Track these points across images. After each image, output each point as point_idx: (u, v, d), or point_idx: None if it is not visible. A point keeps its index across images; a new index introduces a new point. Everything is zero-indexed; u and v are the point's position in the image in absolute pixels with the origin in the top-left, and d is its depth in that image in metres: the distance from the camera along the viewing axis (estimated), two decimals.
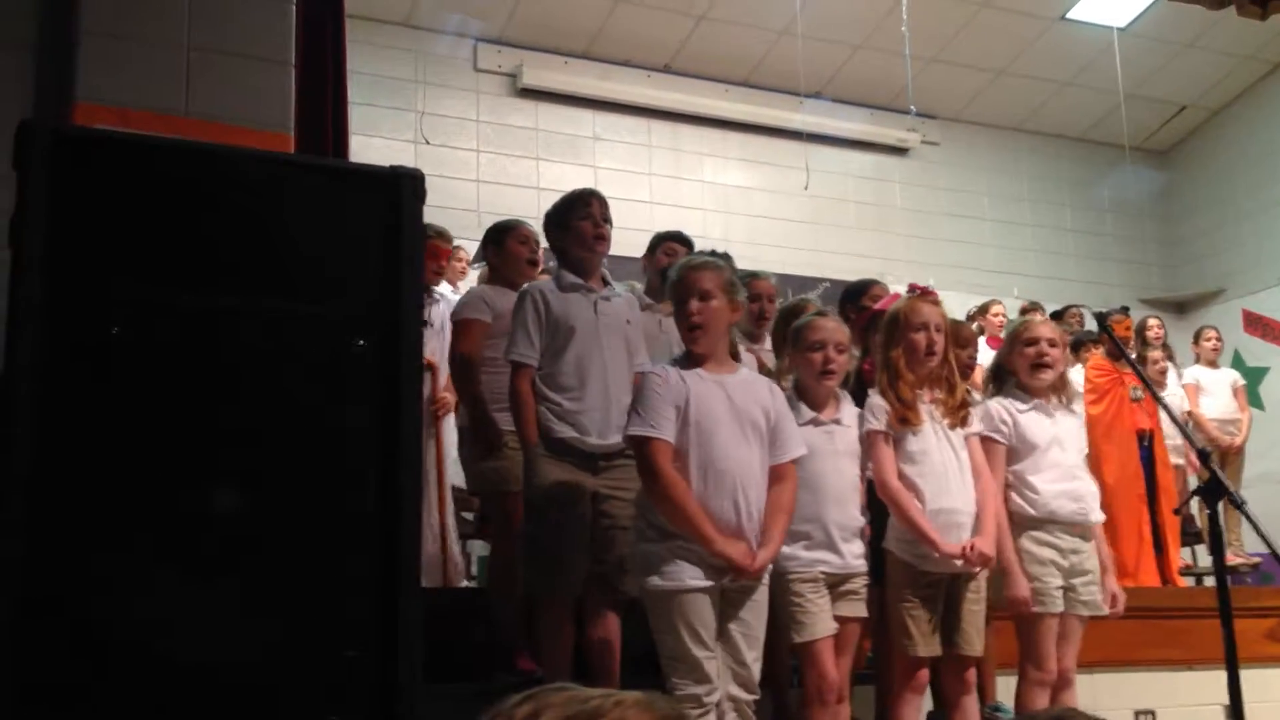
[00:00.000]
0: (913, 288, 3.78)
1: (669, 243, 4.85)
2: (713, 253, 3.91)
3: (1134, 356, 7.23)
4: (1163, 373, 7.56)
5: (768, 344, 4.49)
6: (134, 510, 1.83)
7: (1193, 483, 6.78)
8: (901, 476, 3.54)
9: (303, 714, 1.88)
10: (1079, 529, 3.79)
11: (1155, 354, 7.49)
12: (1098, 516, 3.85)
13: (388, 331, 1.92)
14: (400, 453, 1.90)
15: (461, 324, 4.24)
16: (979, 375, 4.95)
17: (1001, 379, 3.99)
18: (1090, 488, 3.85)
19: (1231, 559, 7.30)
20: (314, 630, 1.91)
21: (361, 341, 1.90)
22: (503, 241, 4.49)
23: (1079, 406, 6.54)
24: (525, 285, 3.84)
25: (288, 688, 1.90)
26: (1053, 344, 3.91)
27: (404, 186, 1.97)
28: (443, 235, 5.54)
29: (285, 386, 1.88)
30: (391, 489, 1.89)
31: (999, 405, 3.84)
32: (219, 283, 1.84)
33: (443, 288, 5.56)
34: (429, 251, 5.44)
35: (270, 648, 1.89)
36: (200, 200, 1.87)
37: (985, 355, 5.70)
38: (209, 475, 1.87)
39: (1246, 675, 4.68)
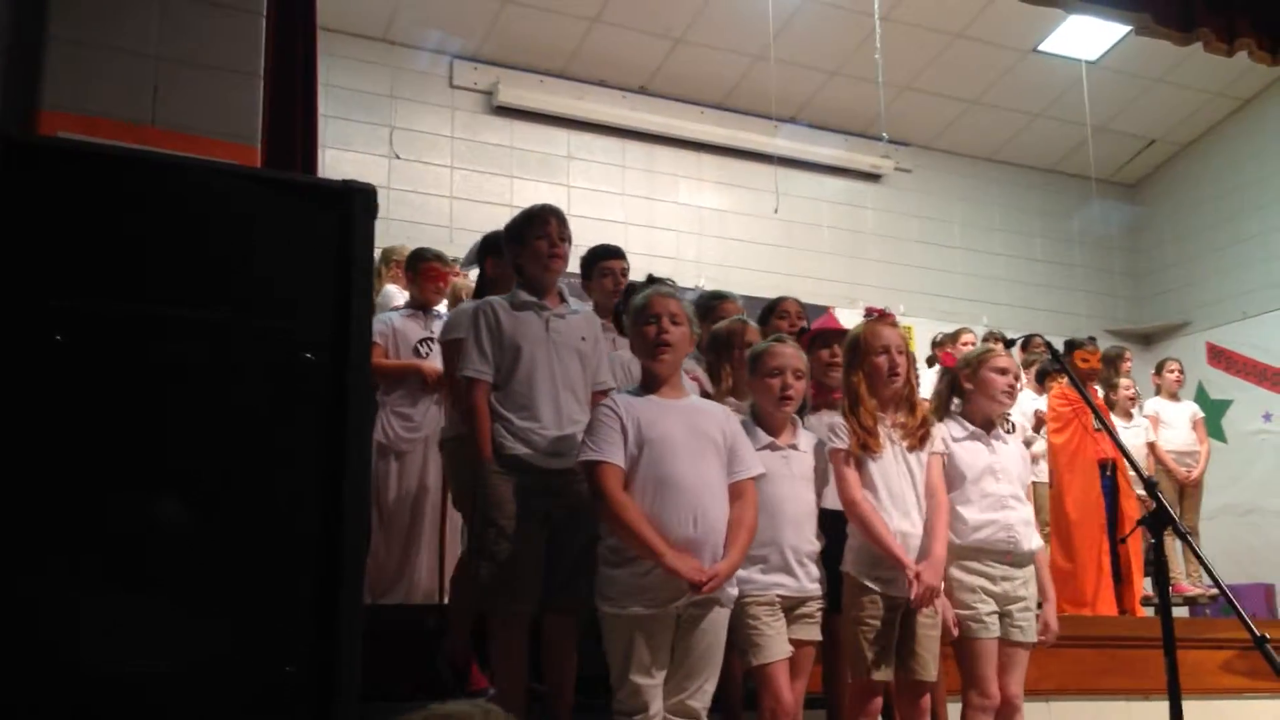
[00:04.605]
0: (870, 311, 3.80)
1: (603, 261, 4.84)
2: (650, 278, 3.95)
3: (1104, 385, 7.30)
4: (1132, 400, 7.62)
5: None
6: (75, 521, 1.81)
7: None
8: None
9: None
10: (1010, 557, 3.80)
11: (1126, 381, 7.55)
12: (1029, 544, 3.86)
13: (337, 346, 1.92)
14: (346, 468, 1.90)
15: (451, 345, 4.17)
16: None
17: (949, 398, 4.03)
18: (1023, 516, 3.86)
19: (1190, 590, 7.37)
20: (254, 645, 1.89)
21: (310, 355, 1.90)
22: (503, 254, 4.43)
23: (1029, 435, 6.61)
24: (479, 301, 3.82)
25: (227, 702, 1.88)
26: (1016, 376, 4.01)
27: (356, 201, 1.97)
28: (440, 258, 5.53)
29: (231, 399, 1.87)
30: (335, 504, 1.89)
31: (938, 430, 3.86)
32: (166, 294, 1.84)
33: (442, 306, 5.55)
34: (428, 274, 5.44)
35: (210, 661, 1.88)
36: (150, 211, 1.87)
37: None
38: (152, 487, 1.85)
39: (1202, 706, 4.74)
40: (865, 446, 3.57)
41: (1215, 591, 7.23)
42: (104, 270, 1.82)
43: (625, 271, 4.87)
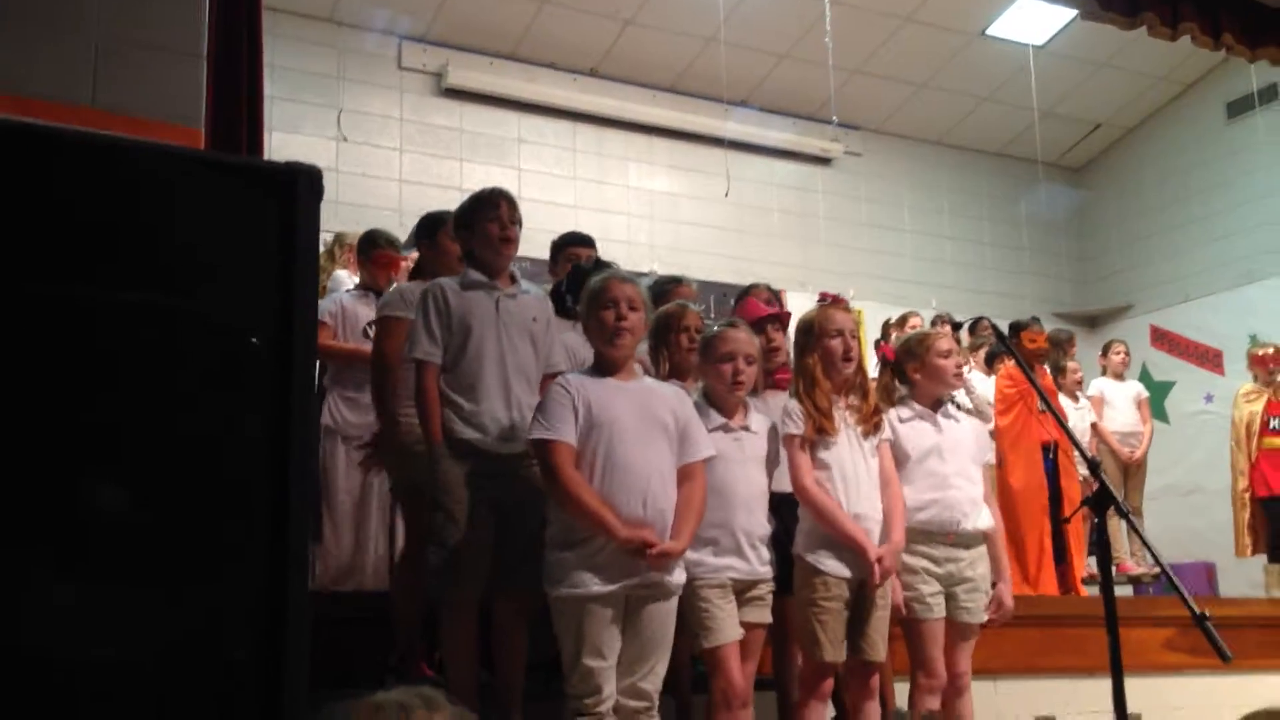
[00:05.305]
0: (823, 296, 3.83)
1: (571, 248, 4.83)
2: (598, 262, 3.97)
3: (1052, 368, 7.40)
4: (1079, 383, 7.73)
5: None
6: (17, 509, 1.78)
7: None
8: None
9: (186, 717, 1.85)
10: (953, 537, 3.83)
11: (1074, 365, 7.65)
12: (975, 524, 3.86)
13: (281, 330, 1.89)
14: (291, 454, 1.87)
15: (382, 322, 4.18)
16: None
17: (893, 386, 4.05)
18: (968, 495, 3.86)
19: (1133, 569, 7.49)
20: (202, 632, 1.87)
21: (254, 340, 1.87)
22: (435, 235, 4.40)
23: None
24: (428, 283, 3.80)
25: (174, 689, 1.86)
26: (959, 353, 4.04)
27: (301, 183, 1.93)
28: (394, 244, 5.48)
29: (173, 385, 1.83)
30: (281, 489, 1.86)
31: (886, 417, 3.89)
32: (104, 278, 1.80)
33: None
34: (380, 261, 5.39)
35: (158, 648, 1.85)
36: (88, 193, 1.83)
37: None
38: (96, 474, 1.82)
39: (1144, 684, 4.82)
40: (821, 430, 3.59)
41: (1158, 570, 7.34)
42: (39, 254, 1.77)
43: (592, 260, 4.86)
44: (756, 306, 4.20)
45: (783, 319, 4.16)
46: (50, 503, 1.78)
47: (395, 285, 4.60)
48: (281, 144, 7.71)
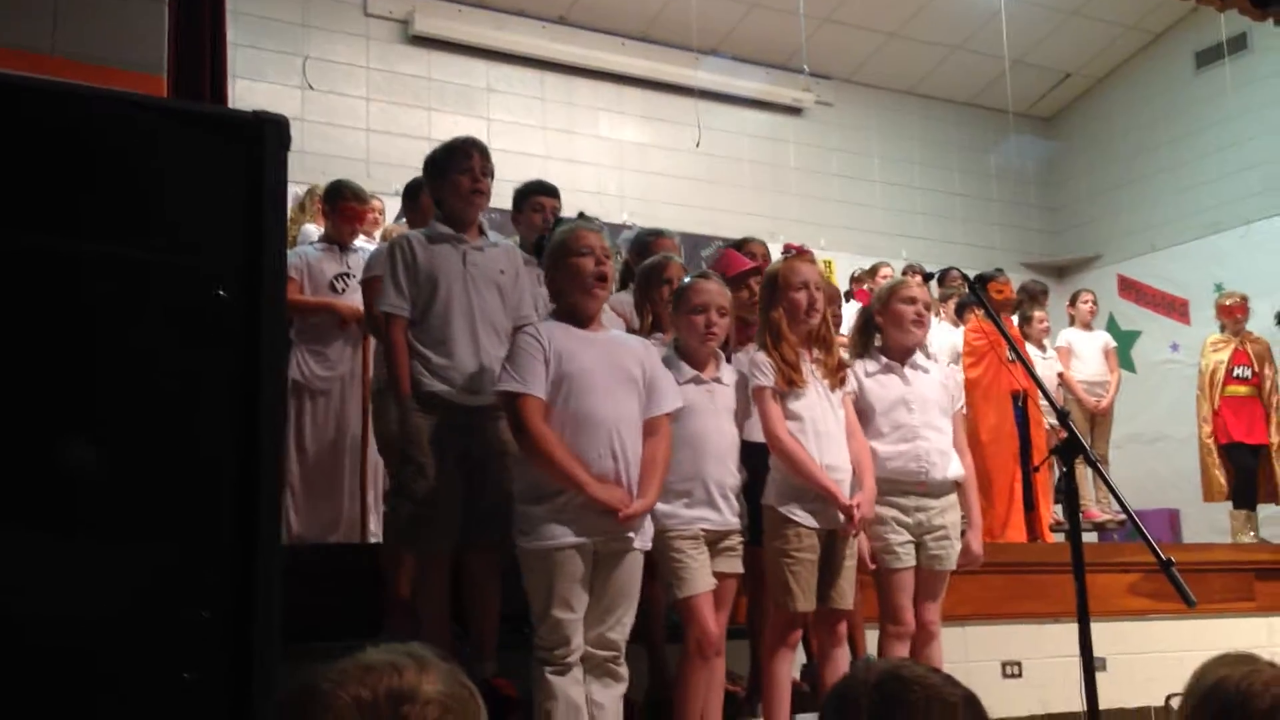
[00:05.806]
0: (788, 248, 3.81)
1: (536, 196, 4.77)
2: (581, 215, 3.94)
3: (1019, 317, 7.44)
4: (1045, 333, 7.77)
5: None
6: None
7: None
8: None
9: (157, 674, 1.84)
10: (923, 487, 3.84)
11: (1040, 314, 7.68)
12: (944, 473, 3.87)
13: (249, 282, 1.87)
14: (260, 408, 1.86)
15: (368, 284, 4.15)
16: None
17: (869, 334, 4.05)
18: (936, 445, 3.86)
19: (1099, 516, 7.57)
20: (168, 590, 1.86)
21: (222, 292, 1.84)
22: (418, 198, 4.40)
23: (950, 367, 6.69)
24: (395, 236, 3.78)
25: (141, 648, 1.85)
26: (927, 305, 4.01)
27: (268, 133, 1.90)
28: (359, 196, 5.41)
29: (139, 338, 1.81)
30: (250, 444, 1.85)
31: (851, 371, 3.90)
32: (68, 229, 1.77)
33: (361, 241, 5.47)
34: (345, 214, 5.32)
35: (126, 606, 1.84)
36: (49, 142, 1.79)
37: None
38: (57, 429, 1.80)
39: (1109, 628, 4.90)
40: (790, 382, 3.59)
41: (1123, 517, 7.42)
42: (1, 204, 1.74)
43: (557, 211, 4.81)
44: (739, 260, 4.18)
45: (764, 272, 4.14)
46: (15, 458, 1.76)
47: (378, 246, 4.56)
48: (245, 92, 7.58)
